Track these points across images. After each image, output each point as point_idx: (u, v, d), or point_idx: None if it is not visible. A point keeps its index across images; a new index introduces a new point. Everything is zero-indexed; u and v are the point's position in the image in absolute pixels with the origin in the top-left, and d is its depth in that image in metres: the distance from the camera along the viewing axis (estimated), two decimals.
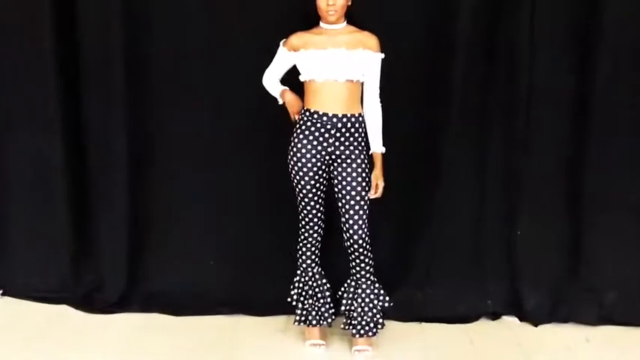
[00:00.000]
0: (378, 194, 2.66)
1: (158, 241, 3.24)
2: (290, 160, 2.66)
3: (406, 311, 3.03)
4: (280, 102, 2.74)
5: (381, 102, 2.66)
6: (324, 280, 2.83)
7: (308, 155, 2.62)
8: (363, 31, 2.62)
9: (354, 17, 2.64)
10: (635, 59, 2.94)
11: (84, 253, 3.27)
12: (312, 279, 2.82)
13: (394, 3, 2.94)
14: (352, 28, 2.63)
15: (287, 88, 2.72)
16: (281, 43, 2.68)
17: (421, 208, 3.12)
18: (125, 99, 3.07)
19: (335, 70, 2.55)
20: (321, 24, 2.62)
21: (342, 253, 2.73)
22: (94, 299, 3.17)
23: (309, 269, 2.82)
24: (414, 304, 3.07)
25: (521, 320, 3.07)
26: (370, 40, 2.61)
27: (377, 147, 2.67)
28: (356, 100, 2.63)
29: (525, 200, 3.07)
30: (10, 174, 3.28)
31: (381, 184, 2.65)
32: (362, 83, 2.64)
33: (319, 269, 2.84)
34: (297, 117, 2.68)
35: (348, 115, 2.60)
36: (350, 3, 2.58)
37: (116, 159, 3.13)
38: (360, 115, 2.64)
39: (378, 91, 2.65)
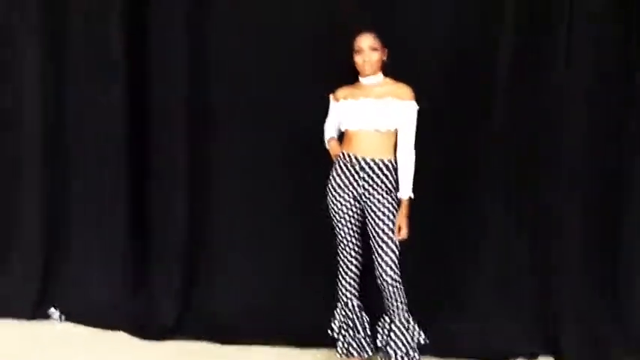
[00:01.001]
0: (402, 237, 2.77)
1: (210, 272, 3.46)
2: (327, 197, 2.87)
3: (443, 348, 3.09)
4: (327, 147, 2.99)
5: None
6: (363, 313, 2.96)
7: (340, 192, 2.83)
8: (399, 82, 2.81)
9: (388, 69, 2.83)
10: None
11: (140, 281, 3.50)
12: (352, 311, 2.95)
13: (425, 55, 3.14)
14: (389, 80, 2.83)
15: (334, 136, 2.97)
16: (330, 96, 2.93)
17: (459, 247, 3.24)
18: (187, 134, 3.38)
19: (364, 119, 2.76)
20: (360, 78, 2.85)
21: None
22: (148, 326, 3.35)
23: (349, 302, 2.95)
24: (451, 341, 3.14)
25: None
26: (401, 90, 2.78)
27: (403, 192, 2.77)
28: (386, 147, 2.79)
29: (563, 243, 3.15)
30: (74, 208, 3.57)
31: (405, 229, 2.76)
32: (396, 131, 2.79)
33: (358, 302, 2.96)
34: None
35: (376, 160, 2.77)
36: (385, 58, 2.81)
37: (175, 187, 3.41)
38: (390, 160, 2.79)
39: (410, 139, 2.76)
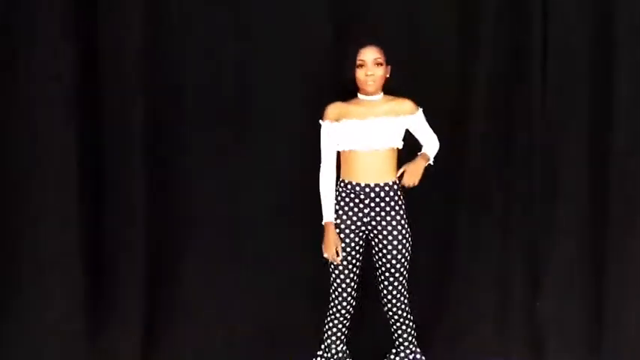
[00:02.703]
0: (410, 183, 2.58)
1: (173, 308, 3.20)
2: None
3: None
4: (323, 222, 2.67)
5: None
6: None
7: (342, 226, 2.63)
8: (397, 98, 2.65)
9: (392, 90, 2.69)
10: None
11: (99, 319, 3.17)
12: (335, 357, 2.76)
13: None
14: (389, 97, 2.66)
15: (333, 220, 2.65)
16: (321, 122, 2.68)
17: (444, 274, 3.14)
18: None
19: (373, 139, 2.57)
20: (359, 95, 2.66)
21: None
22: None
23: (334, 346, 2.76)
24: None
25: None
26: (404, 105, 2.64)
27: (430, 153, 2.68)
28: (390, 168, 2.63)
29: (548, 270, 3.10)
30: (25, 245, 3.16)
31: (413, 178, 2.58)
32: (397, 150, 2.65)
33: (344, 347, 2.79)
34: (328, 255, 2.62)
35: (381, 184, 2.61)
36: (388, 75, 2.63)
37: (133, 222, 3.11)
38: (394, 182, 2.64)
39: (432, 134, 2.71)
